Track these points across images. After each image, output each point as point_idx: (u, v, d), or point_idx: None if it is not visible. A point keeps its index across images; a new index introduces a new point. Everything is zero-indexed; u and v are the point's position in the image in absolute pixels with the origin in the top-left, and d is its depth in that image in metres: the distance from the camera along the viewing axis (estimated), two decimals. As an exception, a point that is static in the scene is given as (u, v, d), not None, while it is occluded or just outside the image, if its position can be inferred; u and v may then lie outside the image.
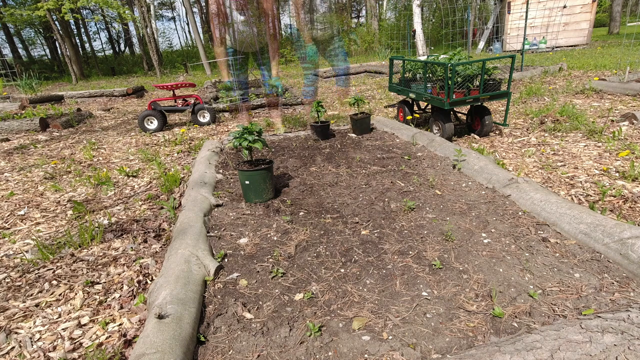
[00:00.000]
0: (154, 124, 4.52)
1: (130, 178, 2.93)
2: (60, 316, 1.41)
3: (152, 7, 18.55)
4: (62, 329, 1.34)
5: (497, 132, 3.39)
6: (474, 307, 1.22)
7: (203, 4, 25.41)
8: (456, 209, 1.90)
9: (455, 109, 3.74)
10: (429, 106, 4.03)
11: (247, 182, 2.08)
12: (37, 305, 1.47)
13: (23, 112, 5.88)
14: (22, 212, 2.37)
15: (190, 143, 3.89)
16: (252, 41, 3.64)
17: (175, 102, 5.14)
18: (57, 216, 2.30)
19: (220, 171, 2.72)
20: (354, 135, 3.45)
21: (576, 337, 0.97)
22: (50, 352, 1.24)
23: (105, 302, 1.48)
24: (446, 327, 1.15)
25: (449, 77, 2.83)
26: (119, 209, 2.34)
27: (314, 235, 1.76)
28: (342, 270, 1.47)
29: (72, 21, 17.05)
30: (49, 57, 23.44)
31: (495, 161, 2.49)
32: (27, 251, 1.88)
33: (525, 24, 6.32)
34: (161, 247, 1.86)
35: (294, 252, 1.63)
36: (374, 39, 17.37)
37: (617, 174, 2.25)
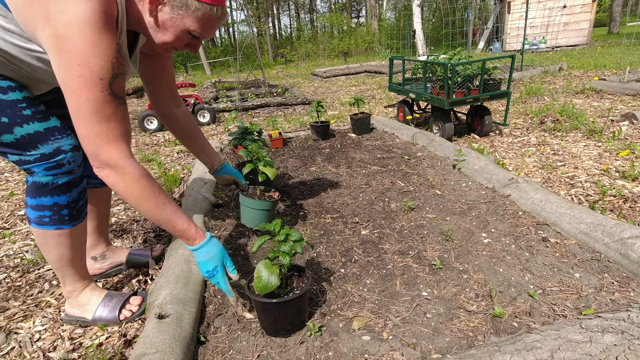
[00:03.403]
0: (153, 124, 4.52)
1: (130, 178, 2.92)
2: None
3: (152, 7, 18.49)
4: (62, 329, 1.34)
5: (497, 132, 3.39)
6: (474, 307, 1.22)
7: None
8: (456, 208, 1.90)
9: (455, 109, 3.74)
10: (429, 106, 4.03)
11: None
12: (37, 305, 1.47)
13: (23, 112, 5.86)
14: (22, 212, 2.37)
15: (190, 143, 3.88)
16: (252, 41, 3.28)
17: (175, 102, 5.13)
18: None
19: (220, 171, 2.72)
20: (354, 135, 3.45)
21: (576, 337, 0.97)
22: (50, 352, 1.24)
23: (105, 302, 1.48)
24: (446, 327, 1.15)
25: (449, 77, 2.83)
26: (119, 209, 2.34)
27: (313, 235, 1.76)
28: (342, 270, 1.47)
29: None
30: (49, 57, 23.40)
31: (495, 161, 2.49)
32: (27, 251, 1.88)
33: (525, 24, 6.32)
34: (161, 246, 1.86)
35: (294, 252, 1.62)
36: (374, 39, 17.38)
37: (617, 174, 2.25)
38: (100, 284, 1.57)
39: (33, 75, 1.06)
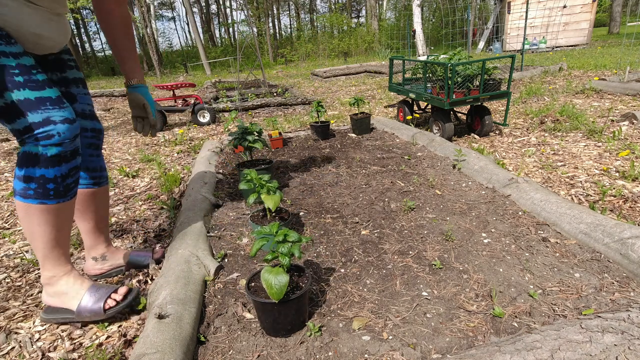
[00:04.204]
0: (154, 124, 4.51)
1: (130, 178, 2.93)
2: (60, 316, 1.41)
3: (152, 7, 18.52)
4: (62, 329, 1.34)
5: (497, 132, 3.39)
6: (474, 307, 1.22)
7: (203, 4, 25.38)
8: (456, 208, 1.90)
9: (455, 109, 3.74)
10: (429, 106, 4.03)
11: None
12: (37, 306, 1.47)
13: (23, 112, 5.86)
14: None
15: (190, 143, 3.89)
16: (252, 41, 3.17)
17: (175, 102, 5.15)
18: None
19: (220, 171, 2.72)
20: (354, 135, 3.45)
21: (576, 337, 0.97)
22: (50, 352, 1.24)
23: (105, 302, 1.48)
24: (446, 327, 1.15)
25: (449, 77, 2.83)
26: (119, 209, 2.34)
27: (313, 235, 1.76)
28: (342, 270, 1.47)
29: (72, 21, 17.05)
30: (49, 57, 23.36)
31: (495, 161, 2.49)
32: (27, 251, 1.88)
33: (525, 24, 6.32)
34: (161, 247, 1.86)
35: (294, 252, 1.62)
36: (374, 39, 17.37)
37: (617, 174, 2.25)
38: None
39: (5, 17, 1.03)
